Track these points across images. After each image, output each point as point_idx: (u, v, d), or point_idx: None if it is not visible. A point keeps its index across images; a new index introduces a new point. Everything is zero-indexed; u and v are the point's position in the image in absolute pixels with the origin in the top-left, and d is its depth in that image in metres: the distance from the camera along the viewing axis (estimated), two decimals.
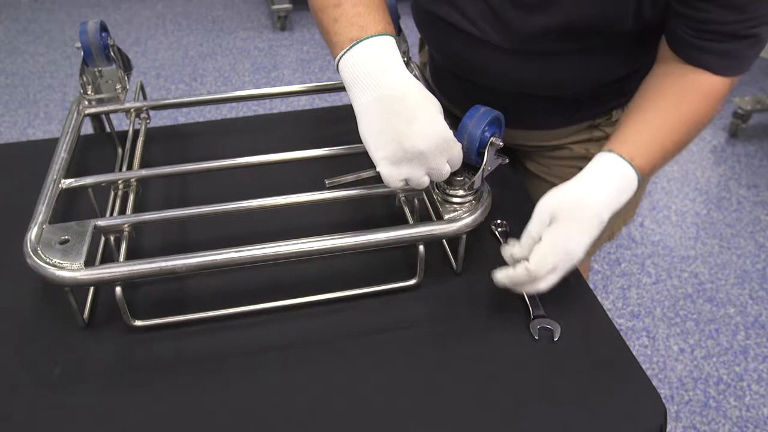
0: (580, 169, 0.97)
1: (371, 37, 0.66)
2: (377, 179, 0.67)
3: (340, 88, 0.70)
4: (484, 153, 0.69)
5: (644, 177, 0.69)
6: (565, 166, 0.96)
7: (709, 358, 1.65)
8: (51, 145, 0.83)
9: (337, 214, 0.84)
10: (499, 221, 0.81)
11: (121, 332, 0.69)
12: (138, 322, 0.68)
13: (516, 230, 0.80)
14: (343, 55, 0.67)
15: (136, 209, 0.79)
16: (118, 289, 0.65)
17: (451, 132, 0.66)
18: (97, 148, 0.97)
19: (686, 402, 1.55)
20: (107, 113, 0.94)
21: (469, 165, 0.71)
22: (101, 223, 0.70)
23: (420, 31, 0.93)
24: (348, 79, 0.67)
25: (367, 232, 0.69)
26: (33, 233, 0.67)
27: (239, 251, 0.66)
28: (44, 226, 0.68)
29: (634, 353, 0.69)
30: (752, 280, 1.85)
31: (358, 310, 0.72)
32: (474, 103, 0.70)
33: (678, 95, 0.72)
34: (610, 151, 0.68)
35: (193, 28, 3.08)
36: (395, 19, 0.94)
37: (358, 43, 0.66)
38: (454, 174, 0.70)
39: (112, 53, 0.91)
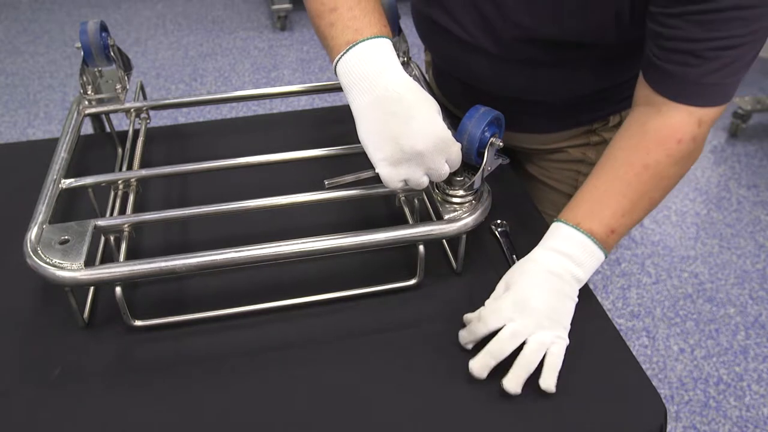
0: (578, 172, 0.97)
1: (367, 39, 0.66)
2: (377, 179, 0.67)
3: (340, 88, 0.70)
4: (484, 153, 0.69)
5: (603, 239, 0.67)
6: (563, 170, 0.96)
7: (709, 358, 1.65)
8: (51, 145, 0.83)
9: (337, 214, 0.84)
10: (499, 221, 0.81)
11: (121, 332, 0.69)
12: (138, 322, 0.68)
13: (516, 230, 0.81)
14: (339, 58, 0.67)
15: (136, 209, 0.79)
16: (118, 289, 0.65)
17: (449, 132, 0.66)
18: (97, 148, 0.97)
19: (686, 402, 1.55)
20: (107, 113, 0.94)
21: (469, 165, 0.71)
22: (101, 223, 0.70)
23: (418, 33, 0.93)
24: (345, 82, 0.67)
25: (367, 232, 0.69)
26: (33, 233, 0.67)
27: (239, 251, 0.66)
28: (44, 226, 0.68)
29: (634, 353, 0.69)
30: (752, 280, 1.85)
31: (358, 310, 0.72)
32: (473, 105, 0.71)
33: (630, 150, 0.68)
34: (557, 220, 0.69)
35: (193, 28, 3.08)
36: (395, 19, 0.95)
37: (354, 46, 0.66)
38: (454, 174, 0.70)
39: (112, 53, 0.91)
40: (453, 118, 0.92)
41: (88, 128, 0.99)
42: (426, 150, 0.64)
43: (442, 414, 0.62)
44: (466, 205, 0.72)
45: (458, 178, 0.71)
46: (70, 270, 0.63)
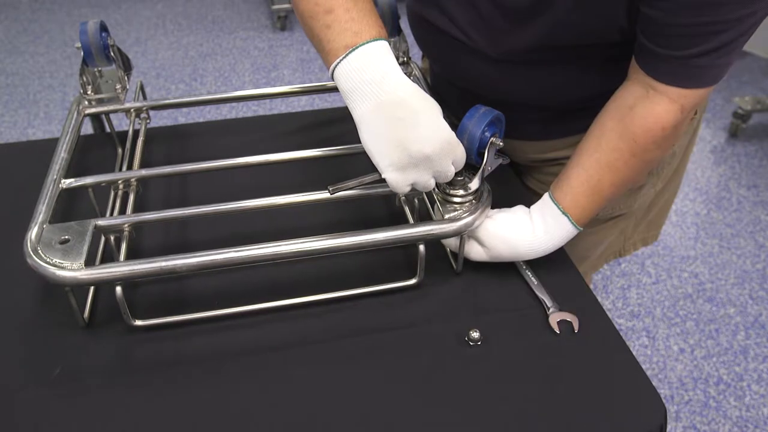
0: None
1: (367, 43, 0.65)
2: (380, 183, 0.67)
3: None
4: (484, 153, 0.69)
5: (581, 221, 0.74)
6: None
7: (709, 358, 1.65)
8: (51, 145, 0.83)
9: (337, 213, 0.84)
10: None
11: (121, 332, 0.69)
12: (138, 322, 0.68)
13: None
14: (339, 62, 0.65)
15: (136, 209, 0.79)
16: (119, 289, 0.65)
17: (453, 133, 0.66)
18: (97, 148, 0.97)
19: (686, 402, 1.55)
20: (107, 113, 0.94)
21: (470, 165, 0.71)
22: (101, 222, 0.70)
23: (414, 36, 0.92)
24: (346, 87, 0.66)
25: (367, 231, 0.69)
26: (33, 233, 0.67)
27: (239, 251, 0.66)
28: (44, 226, 0.68)
29: (634, 353, 0.69)
30: (752, 280, 1.85)
31: (358, 310, 0.72)
32: None
33: (619, 133, 0.71)
34: (553, 200, 0.74)
35: (193, 28, 3.08)
36: (395, 19, 0.94)
37: (354, 50, 0.65)
38: (454, 174, 0.70)
39: (112, 53, 0.91)
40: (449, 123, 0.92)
41: (88, 128, 1.00)
42: (434, 153, 0.64)
43: (442, 414, 0.62)
44: (466, 205, 0.72)
45: (459, 178, 0.71)
46: (71, 270, 0.63)
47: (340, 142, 0.83)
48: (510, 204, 0.76)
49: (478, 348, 0.67)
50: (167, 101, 0.97)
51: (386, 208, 0.85)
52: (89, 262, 0.65)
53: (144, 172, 0.82)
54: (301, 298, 0.72)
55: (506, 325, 0.70)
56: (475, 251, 0.74)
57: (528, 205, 0.76)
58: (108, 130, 0.97)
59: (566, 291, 0.73)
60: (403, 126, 0.64)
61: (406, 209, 0.79)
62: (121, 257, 0.71)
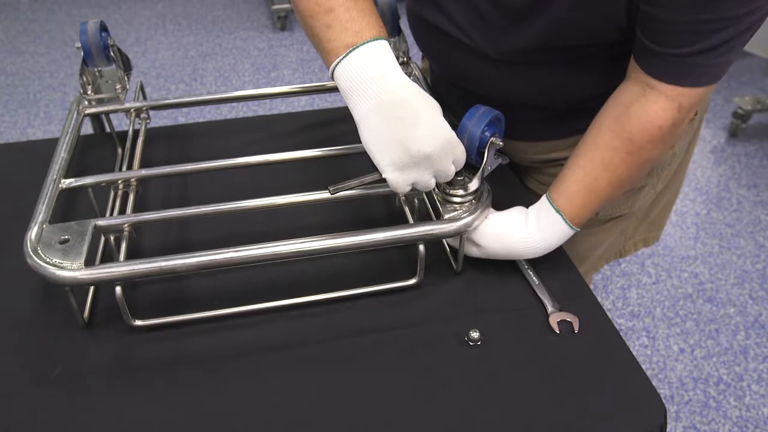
0: None
1: (367, 42, 0.65)
2: (380, 182, 0.67)
3: None
4: (484, 153, 0.69)
5: (578, 223, 0.74)
6: None
7: (709, 358, 1.65)
8: (51, 145, 0.83)
9: (337, 213, 0.84)
10: None
11: (121, 332, 0.69)
12: (138, 322, 0.68)
13: None
14: (339, 62, 0.65)
15: (136, 209, 0.79)
16: (118, 289, 0.65)
17: (453, 133, 0.66)
18: (97, 148, 0.97)
19: (686, 402, 1.55)
20: (107, 113, 0.94)
21: (470, 165, 0.71)
22: (101, 222, 0.70)
23: (413, 37, 0.92)
24: (346, 86, 0.66)
25: (367, 231, 0.69)
26: (33, 233, 0.67)
27: (239, 251, 0.66)
28: (44, 226, 0.68)
29: (634, 353, 0.69)
30: (752, 280, 1.85)
31: (358, 310, 0.72)
32: None
33: (615, 133, 0.71)
34: (550, 201, 0.74)
35: (193, 28, 3.08)
36: (395, 19, 0.94)
37: (354, 49, 0.65)
38: (454, 174, 0.70)
39: (112, 53, 0.91)
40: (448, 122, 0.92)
41: (88, 128, 1.00)
42: (434, 153, 0.64)
43: (442, 414, 0.62)
44: (466, 204, 0.72)
45: (458, 178, 0.71)
46: (70, 270, 0.63)
47: (340, 142, 0.83)
48: (510, 204, 0.76)
49: (478, 348, 0.67)
50: (167, 101, 0.97)
51: (386, 208, 0.85)
52: (89, 262, 0.65)
53: (144, 172, 0.82)
54: (301, 298, 0.72)
55: (506, 325, 0.70)
56: (469, 248, 0.74)
57: (528, 207, 0.76)
58: (108, 130, 0.97)
59: (566, 291, 0.73)
60: (404, 125, 0.64)
61: (406, 209, 0.79)
62: (121, 257, 0.71)
